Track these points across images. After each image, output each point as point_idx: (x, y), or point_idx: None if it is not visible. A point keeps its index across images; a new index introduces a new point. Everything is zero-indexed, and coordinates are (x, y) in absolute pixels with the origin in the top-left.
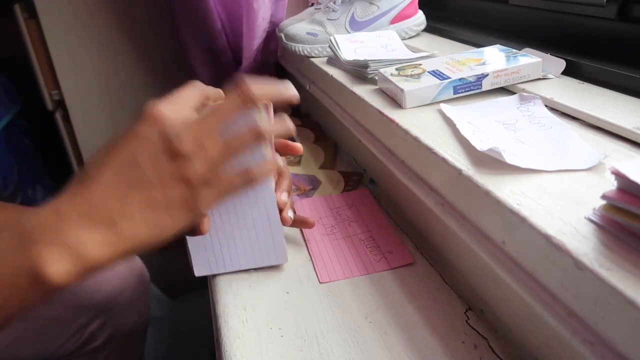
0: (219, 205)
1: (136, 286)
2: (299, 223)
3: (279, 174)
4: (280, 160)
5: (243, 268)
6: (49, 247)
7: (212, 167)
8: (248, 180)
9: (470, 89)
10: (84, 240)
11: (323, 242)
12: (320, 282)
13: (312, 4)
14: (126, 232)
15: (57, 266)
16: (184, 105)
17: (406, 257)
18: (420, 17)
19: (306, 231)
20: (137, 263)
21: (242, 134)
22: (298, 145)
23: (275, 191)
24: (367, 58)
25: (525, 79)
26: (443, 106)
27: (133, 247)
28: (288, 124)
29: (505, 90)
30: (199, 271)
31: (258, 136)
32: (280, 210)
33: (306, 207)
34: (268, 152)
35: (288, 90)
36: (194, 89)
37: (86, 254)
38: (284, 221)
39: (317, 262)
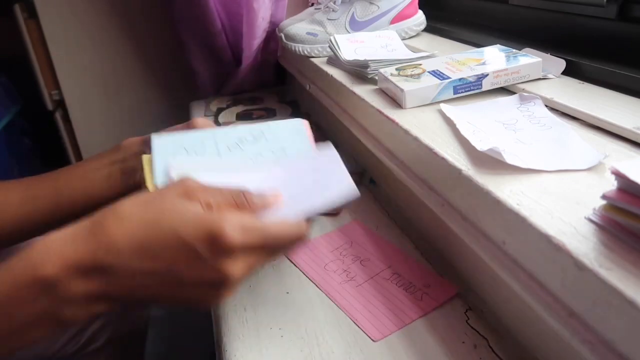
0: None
1: None
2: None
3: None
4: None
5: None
6: (72, 302)
7: (246, 274)
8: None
9: (470, 89)
10: (95, 309)
11: (348, 292)
12: (373, 341)
13: (312, 4)
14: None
15: (77, 313)
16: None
17: (448, 289)
18: (420, 17)
19: (322, 283)
20: None
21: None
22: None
23: None
24: (367, 58)
25: (525, 79)
26: (443, 106)
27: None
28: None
29: (505, 90)
30: None
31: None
32: None
33: (305, 250)
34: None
35: None
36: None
37: (94, 310)
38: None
39: (358, 318)
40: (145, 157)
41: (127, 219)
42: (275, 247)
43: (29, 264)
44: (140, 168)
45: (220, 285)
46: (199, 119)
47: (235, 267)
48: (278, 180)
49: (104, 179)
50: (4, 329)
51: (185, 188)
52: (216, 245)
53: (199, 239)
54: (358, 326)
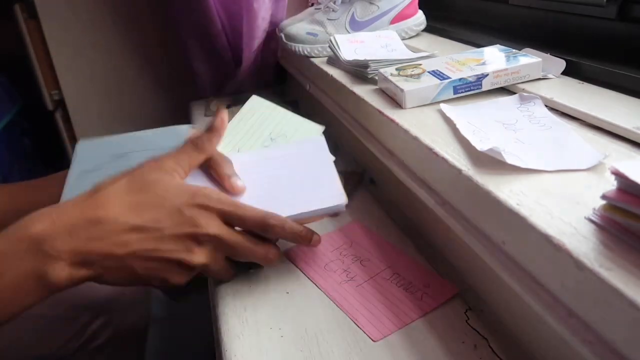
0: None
1: (135, 288)
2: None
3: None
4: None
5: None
6: (56, 259)
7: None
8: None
9: (470, 89)
10: (77, 272)
11: (348, 292)
12: (373, 341)
13: (312, 4)
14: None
15: (60, 273)
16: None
17: (448, 289)
18: (420, 17)
19: (322, 283)
20: None
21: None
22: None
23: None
24: (367, 58)
25: (525, 79)
26: (443, 106)
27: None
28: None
29: (505, 90)
30: None
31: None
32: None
33: (305, 250)
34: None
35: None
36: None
37: (77, 275)
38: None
39: (358, 318)
40: None
41: (115, 188)
42: (243, 219)
43: (21, 224)
44: None
45: (194, 239)
46: (224, 113)
47: (208, 222)
48: (265, 177)
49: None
50: None
51: (157, 163)
52: (194, 200)
53: (180, 199)
54: (358, 326)
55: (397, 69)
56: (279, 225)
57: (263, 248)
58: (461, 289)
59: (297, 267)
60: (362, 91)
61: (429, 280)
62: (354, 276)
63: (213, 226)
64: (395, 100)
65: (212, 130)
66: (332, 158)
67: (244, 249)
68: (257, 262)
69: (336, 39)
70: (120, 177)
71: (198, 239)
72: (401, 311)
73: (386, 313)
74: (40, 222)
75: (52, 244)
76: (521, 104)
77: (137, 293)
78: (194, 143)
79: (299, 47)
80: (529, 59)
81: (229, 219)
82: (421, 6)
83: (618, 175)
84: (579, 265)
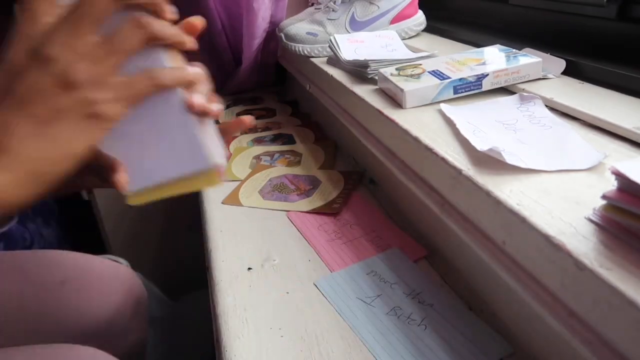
0: (126, 113)
1: (132, 312)
2: (228, 125)
3: (193, 82)
4: (193, 68)
5: (160, 179)
6: None
7: (93, 67)
8: (151, 82)
9: (470, 89)
10: None
11: (330, 245)
12: (331, 272)
13: (312, 4)
14: (20, 151)
15: None
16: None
17: (418, 250)
18: (420, 17)
19: (309, 236)
20: (134, 286)
21: (123, 30)
22: (245, 119)
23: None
24: (367, 58)
25: (526, 79)
26: (443, 106)
27: (39, 169)
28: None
29: (505, 90)
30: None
31: (145, 34)
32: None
33: (303, 219)
34: (168, 58)
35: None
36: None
37: None
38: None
39: (324, 255)
40: None
41: None
42: (91, 16)
43: None
44: None
45: (67, 87)
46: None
47: (71, 67)
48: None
49: None
50: None
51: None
52: (32, 52)
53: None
54: (322, 260)
55: (397, 69)
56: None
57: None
58: (461, 289)
59: (293, 224)
60: (362, 91)
61: (405, 244)
62: (340, 237)
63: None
64: (395, 100)
65: None
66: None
67: (123, 45)
68: None
69: (336, 38)
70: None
71: (55, 72)
72: (360, 256)
73: (349, 255)
74: None
75: None
76: (521, 104)
77: (133, 318)
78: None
79: (299, 47)
80: (529, 59)
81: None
82: (421, 6)
83: (618, 175)
84: (579, 265)
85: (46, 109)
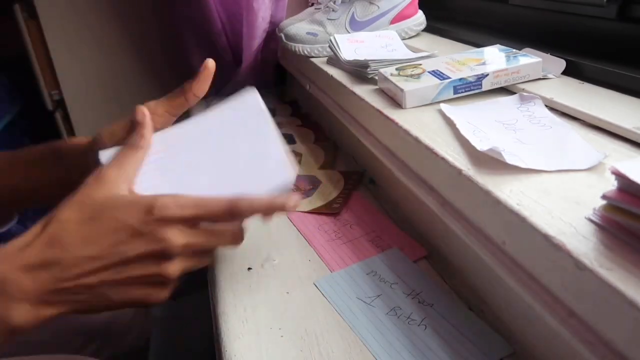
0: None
1: (133, 311)
2: None
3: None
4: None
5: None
6: (19, 301)
7: (188, 260)
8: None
9: (470, 89)
10: (45, 311)
11: (330, 245)
12: (331, 272)
13: (312, 4)
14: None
15: (25, 315)
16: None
17: (418, 250)
18: (420, 17)
19: (309, 236)
20: None
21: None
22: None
23: None
24: (367, 58)
25: (526, 79)
26: (443, 106)
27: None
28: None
29: (505, 90)
30: None
31: (239, 239)
32: None
33: (303, 219)
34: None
35: (286, 204)
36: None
37: (44, 314)
38: None
39: (324, 255)
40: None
41: (66, 220)
42: (210, 218)
43: None
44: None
45: (163, 255)
46: (141, 107)
47: (173, 234)
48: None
49: (46, 175)
50: None
51: (99, 178)
52: (152, 216)
53: (135, 217)
54: (322, 260)
55: (397, 69)
56: (247, 208)
57: (231, 234)
58: (461, 289)
59: (293, 225)
60: (362, 91)
61: (406, 244)
62: (340, 236)
63: (177, 237)
64: (395, 100)
65: (139, 125)
66: (271, 120)
67: (215, 243)
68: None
69: (336, 38)
70: (68, 205)
71: (165, 253)
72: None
73: (349, 255)
74: (0, 266)
75: (12, 285)
76: (521, 104)
77: (134, 317)
78: (129, 145)
79: (299, 47)
80: (529, 59)
81: (194, 222)
82: (421, 6)
83: (618, 175)
84: (579, 265)
85: (136, 271)
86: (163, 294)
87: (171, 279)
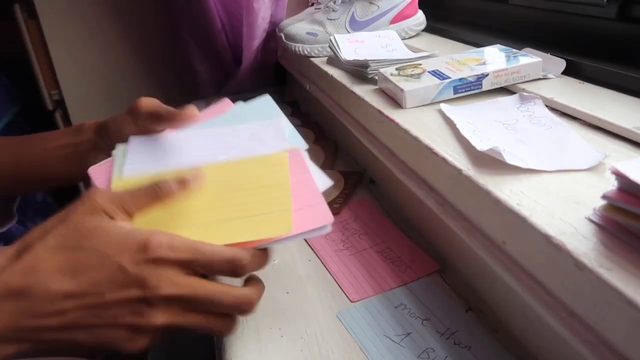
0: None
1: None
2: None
3: None
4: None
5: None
6: None
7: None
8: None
9: (470, 89)
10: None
11: (340, 259)
12: (351, 302)
13: (312, 4)
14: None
15: None
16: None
17: (431, 265)
18: (420, 17)
19: (317, 248)
20: None
21: (225, 305)
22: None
23: None
24: (367, 58)
25: (526, 79)
26: (443, 106)
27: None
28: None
29: (505, 90)
30: None
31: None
32: None
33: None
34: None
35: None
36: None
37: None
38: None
39: (323, 255)
40: (116, 149)
41: (44, 246)
42: (205, 266)
43: None
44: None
45: (145, 302)
46: (144, 98)
47: (162, 281)
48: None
49: (62, 161)
50: None
51: (92, 205)
52: (142, 255)
53: (126, 255)
54: (339, 287)
55: (397, 69)
56: (251, 264)
57: (241, 293)
58: (461, 289)
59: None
60: (362, 91)
61: (416, 257)
62: (349, 247)
63: (166, 285)
64: (395, 100)
65: (182, 183)
66: (312, 164)
67: (217, 300)
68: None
69: (336, 38)
70: (51, 227)
71: (148, 301)
72: (379, 280)
73: (366, 278)
74: None
75: None
76: (521, 104)
77: None
78: (153, 190)
79: (299, 47)
80: (529, 59)
81: (192, 268)
82: (421, 6)
83: (618, 175)
84: (579, 265)
85: (111, 317)
86: (140, 342)
87: (150, 329)
